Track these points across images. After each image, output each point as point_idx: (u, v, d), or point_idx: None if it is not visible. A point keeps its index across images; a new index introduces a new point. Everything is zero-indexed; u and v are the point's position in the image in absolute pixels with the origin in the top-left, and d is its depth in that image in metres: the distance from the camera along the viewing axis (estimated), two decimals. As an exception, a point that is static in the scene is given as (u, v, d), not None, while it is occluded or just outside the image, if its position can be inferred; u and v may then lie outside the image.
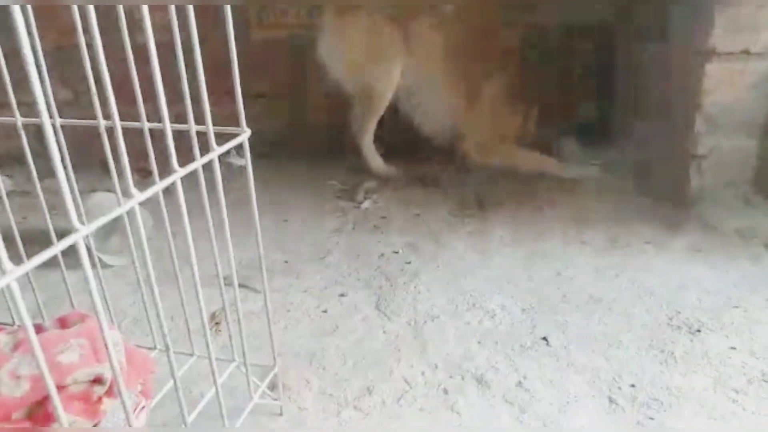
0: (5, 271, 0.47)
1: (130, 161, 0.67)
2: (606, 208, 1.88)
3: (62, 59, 1.77)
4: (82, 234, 0.53)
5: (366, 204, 1.99)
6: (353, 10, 2.09)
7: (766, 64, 1.66)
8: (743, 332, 1.26)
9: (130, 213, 0.71)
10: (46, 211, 1.02)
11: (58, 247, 0.53)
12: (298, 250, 1.70)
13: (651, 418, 1.04)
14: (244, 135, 0.84)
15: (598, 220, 1.80)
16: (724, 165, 1.75)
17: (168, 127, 0.74)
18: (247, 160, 0.87)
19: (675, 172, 1.86)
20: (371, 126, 2.23)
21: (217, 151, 0.79)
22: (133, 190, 0.64)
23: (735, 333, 1.25)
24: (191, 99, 0.77)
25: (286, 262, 1.63)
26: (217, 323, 1.31)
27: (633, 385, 1.11)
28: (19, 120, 0.95)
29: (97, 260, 1.05)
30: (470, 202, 1.99)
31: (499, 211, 1.91)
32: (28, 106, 0.90)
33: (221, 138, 0.85)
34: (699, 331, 1.26)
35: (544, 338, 1.26)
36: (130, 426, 0.69)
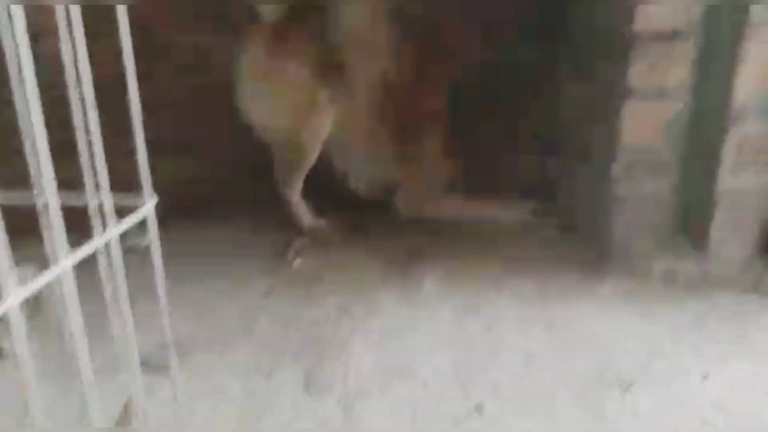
0: None
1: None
2: (535, 255, 1.90)
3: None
4: None
5: (297, 264, 1.94)
6: (281, 57, 2.00)
7: (680, 104, 1.69)
8: (671, 384, 1.27)
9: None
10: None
11: None
12: (222, 322, 1.62)
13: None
14: (148, 206, 0.71)
15: (528, 269, 1.81)
16: (645, 207, 1.77)
17: (53, 201, 0.58)
18: (154, 239, 0.74)
19: (599, 215, 1.90)
20: (298, 180, 2.17)
21: (114, 230, 0.67)
22: (10, 285, 0.52)
23: (664, 386, 1.26)
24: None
25: (208, 335, 1.55)
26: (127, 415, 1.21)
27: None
28: None
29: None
30: (403, 256, 1.97)
31: (432, 264, 1.90)
32: None
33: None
34: (630, 385, 1.26)
35: (478, 406, 1.24)
36: None
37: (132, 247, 1.01)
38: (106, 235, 0.68)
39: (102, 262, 0.70)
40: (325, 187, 2.47)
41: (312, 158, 2.13)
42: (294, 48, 1.99)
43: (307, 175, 2.16)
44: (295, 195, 2.19)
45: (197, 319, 1.61)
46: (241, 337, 1.54)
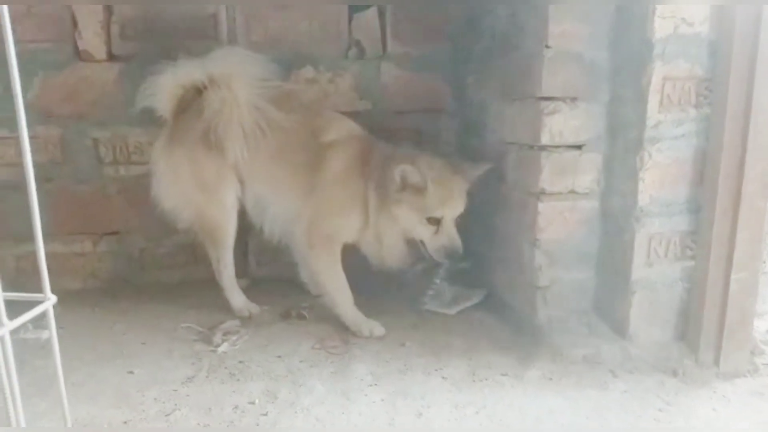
0: None
1: None
2: (466, 340, 1.92)
3: None
4: None
5: (223, 347, 1.87)
6: (178, 143, 2.07)
7: (591, 203, 1.84)
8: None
9: None
10: None
11: None
12: (142, 407, 1.53)
13: None
14: (48, 303, 0.74)
15: (459, 353, 1.82)
16: (566, 295, 1.86)
17: None
18: (52, 333, 0.76)
19: (524, 302, 1.96)
20: (226, 260, 2.15)
21: (7, 326, 0.68)
22: None
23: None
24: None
25: (125, 422, 1.46)
26: None
27: None
28: None
29: None
30: (335, 340, 1.94)
31: (363, 346, 1.89)
32: None
33: (21, 306, 0.74)
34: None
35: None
36: None
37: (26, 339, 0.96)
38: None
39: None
40: (262, 266, 2.49)
41: (228, 234, 2.14)
42: (184, 133, 2.06)
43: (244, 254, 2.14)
44: (226, 276, 2.17)
45: (113, 405, 1.52)
46: (160, 423, 1.45)
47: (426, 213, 1.94)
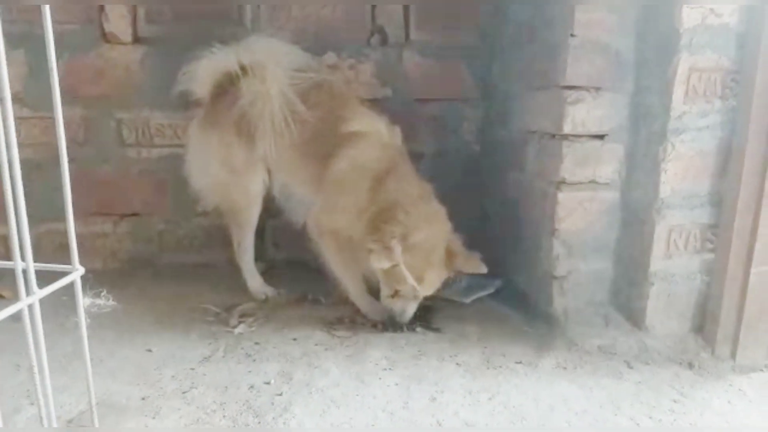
0: None
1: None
2: (480, 328, 1.92)
3: None
4: None
5: (240, 329, 1.89)
6: (213, 125, 2.09)
7: (612, 193, 1.83)
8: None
9: None
10: None
11: None
12: (159, 384, 1.56)
13: None
14: (76, 273, 0.77)
15: (473, 341, 1.83)
16: (583, 285, 1.86)
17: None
18: (79, 303, 0.78)
19: (540, 292, 1.96)
20: (247, 243, 2.18)
21: (37, 294, 0.71)
22: None
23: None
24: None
25: (143, 398, 1.48)
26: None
27: None
28: None
29: None
30: (349, 324, 1.95)
31: (379, 333, 1.89)
32: None
33: (49, 277, 0.77)
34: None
35: (418, 474, 1.20)
36: None
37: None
38: (29, 299, 0.70)
39: (26, 324, 0.71)
40: (280, 250, 2.50)
41: (251, 218, 2.16)
42: (218, 116, 2.07)
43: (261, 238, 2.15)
44: (247, 258, 2.19)
45: (130, 382, 1.55)
46: (176, 400, 1.48)
47: (395, 286, 1.90)
